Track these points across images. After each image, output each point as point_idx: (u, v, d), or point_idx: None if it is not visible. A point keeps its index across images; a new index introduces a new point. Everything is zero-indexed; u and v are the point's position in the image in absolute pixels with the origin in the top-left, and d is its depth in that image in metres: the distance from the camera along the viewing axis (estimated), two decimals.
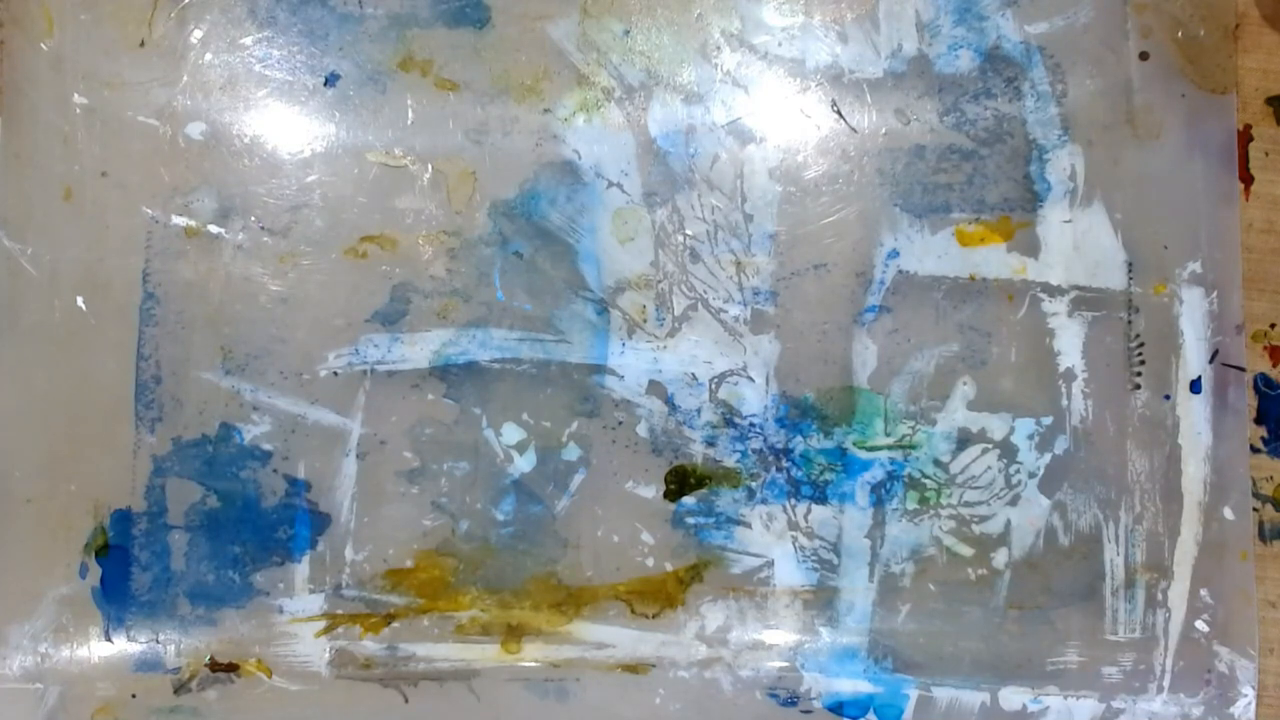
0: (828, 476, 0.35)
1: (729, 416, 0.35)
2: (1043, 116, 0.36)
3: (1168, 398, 0.35)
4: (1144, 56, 0.36)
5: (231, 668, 0.35)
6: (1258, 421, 0.36)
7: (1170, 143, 0.36)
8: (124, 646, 0.35)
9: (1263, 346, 0.36)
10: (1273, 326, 0.36)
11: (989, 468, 0.35)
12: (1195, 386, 0.35)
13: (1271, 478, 0.36)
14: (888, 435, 0.35)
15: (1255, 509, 0.35)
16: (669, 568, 0.35)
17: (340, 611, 0.35)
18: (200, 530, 0.35)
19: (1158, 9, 0.36)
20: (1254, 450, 0.36)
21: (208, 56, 0.36)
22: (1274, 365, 0.36)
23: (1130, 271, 0.36)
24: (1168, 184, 0.36)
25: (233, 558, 0.35)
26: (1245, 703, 0.34)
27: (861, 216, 0.36)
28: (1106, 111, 0.36)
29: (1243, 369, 0.35)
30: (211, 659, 0.35)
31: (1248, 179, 0.36)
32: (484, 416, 0.35)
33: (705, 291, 0.35)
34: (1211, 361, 0.35)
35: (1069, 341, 0.35)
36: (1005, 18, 0.36)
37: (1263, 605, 0.35)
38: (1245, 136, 0.36)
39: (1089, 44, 0.36)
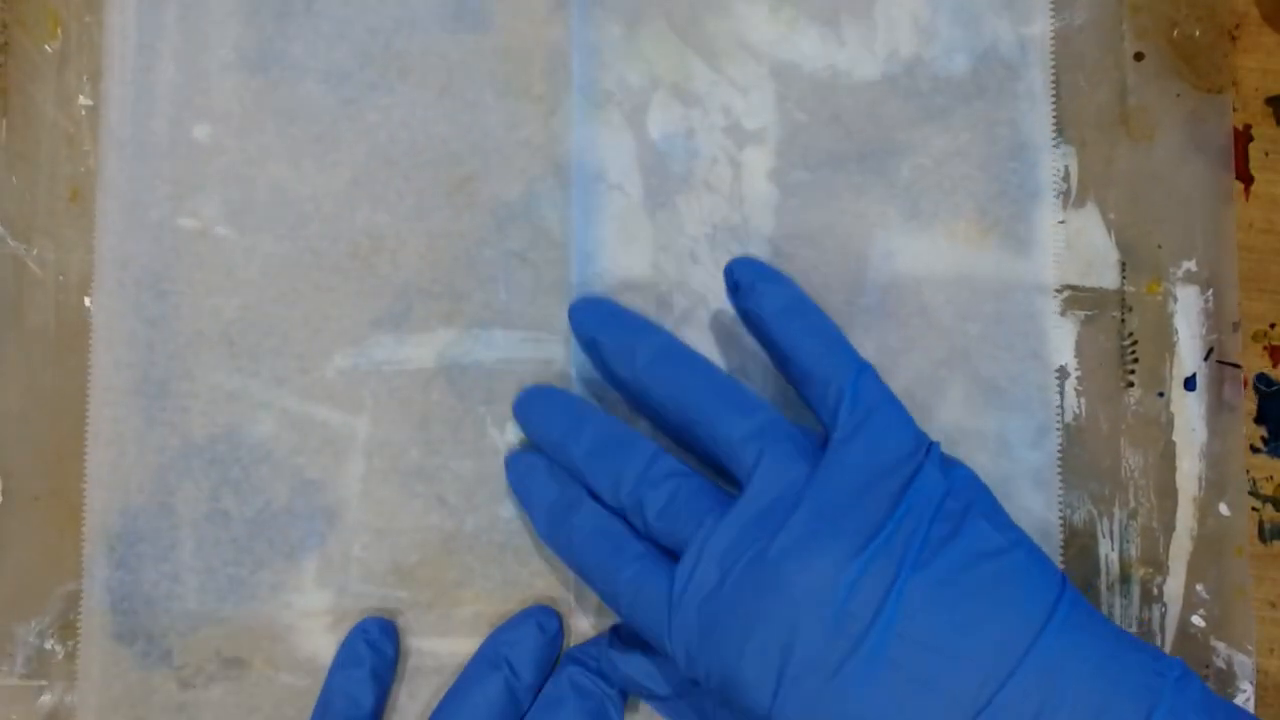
0: None
1: None
2: (1036, 117, 0.36)
3: (1161, 395, 0.36)
4: (1139, 57, 0.36)
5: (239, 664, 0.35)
6: (1258, 421, 0.36)
7: (1165, 142, 0.36)
8: (130, 642, 0.35)
9: (1263, 346, 0.36)
10: (1273, 326, 0.36)
11: (983, 465, 0.35)
12: (1190, 384, 0.36)
13: (1272, 477, 0.36)
14: None
15: (1255, 509, 0.36)
16: None
17: (348, 607, 0.35)
18: (207, 528, 0.35)
19: (1153, 9, 0.36)
20: (1254, 450, 0.36)
21: (231, 50, 0.36)
22: (1274, 365, 0.36)
23: (1123, 271, 0.36)
24: (1162, 183, 0.36)
25: (240, 555, 0.35)
26: (1244, 698, 0.34)
27: (858, 217, 0.36)
28: (1101, 112, 0.36)
29: (1238, 366, 0.36)
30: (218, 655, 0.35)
31: (1248, 179, 0.36)
32: (489, 416, 0.35)
33: (705, 292, 0.36)
34: (1206, 359, 0.36)
35: (1062, 340, 0.36)
36: (1001, 18, 0.36)
37: (1263, 605, 0.35)
38: (1245, 136, 0.36)
39: (1084, 44, 0.36)
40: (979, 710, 0.26)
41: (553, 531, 0.32)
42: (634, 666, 0.32)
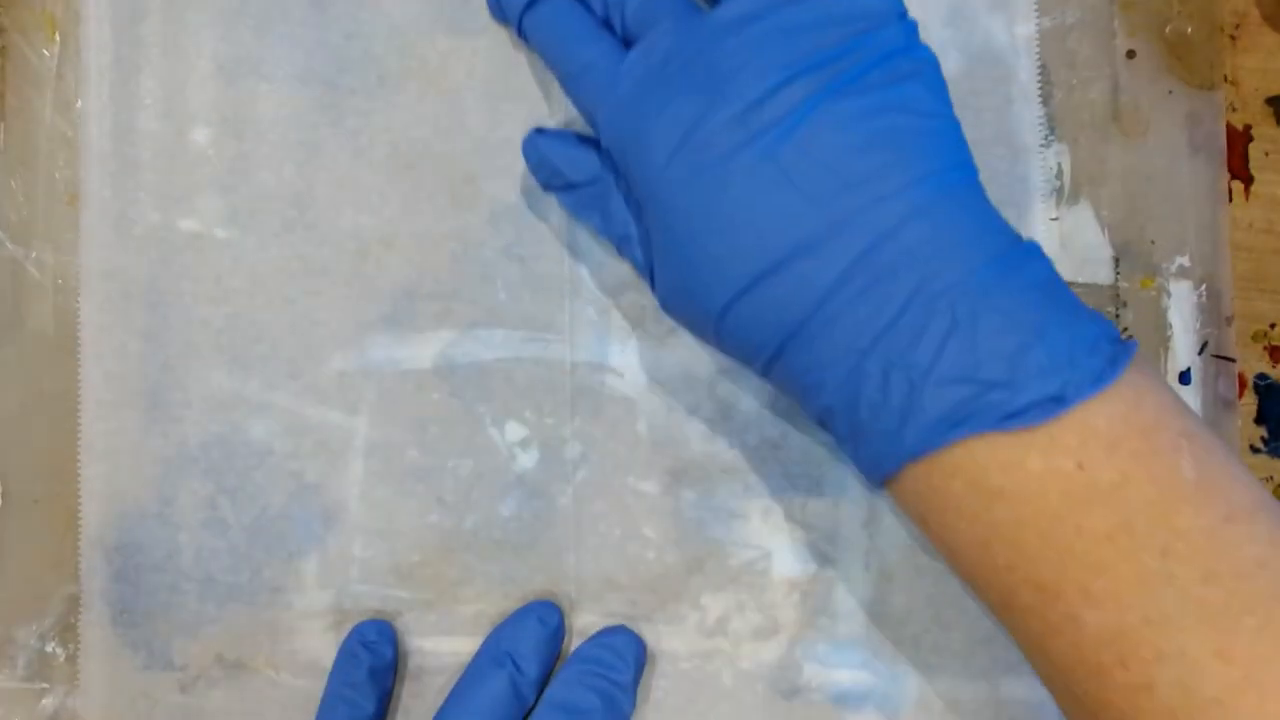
0: (824, 468, 0.35)
1: (727, 411, 0.35)
2: (1030, 116, 0.36)
3: None
4: (1131, 54, 0.37)
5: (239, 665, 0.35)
6: (1258, 421, 0.36)
7: (1157, 139, 0.36)
8: (131, 646, 0.35)
9: (1263, 346, 0.36)
10: (1273, 326, 0.36)
11: None
12: (1184, 378, 0.36)
13: (1272, 478, 0.36)
14: None
15: None
16: (670, 560, 0.35)
17: (349, 607, 0.35)
18: (207, 529, 0.35)
19: (1144, 6, 0.37)
20: (1254, 450, 0.36)
21: (210, 60, 0.36)
22: (1274, 365, 0.36)
23: (1117, 267, 0.36)
24: (1155, 180, 0.36)
25: (238, 562, 0.35)
26: None
27: None
28: (1093, 109, 0.36)
29: (1232, 360, 0.36)
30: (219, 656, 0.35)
31: (1247, 179, 0.36)
32: (487, 415, 0.36)
33: None
34: (1201, 353, 0.36)
35: None
36: (993, 18, 0.36)
37: None
38: (1245, 136, 0.36)
39: (1075, 42, 0.36)
40: (836, 222, 0.28)
41: (525, 19, 0.34)
42: (555, 152, 0.33)
